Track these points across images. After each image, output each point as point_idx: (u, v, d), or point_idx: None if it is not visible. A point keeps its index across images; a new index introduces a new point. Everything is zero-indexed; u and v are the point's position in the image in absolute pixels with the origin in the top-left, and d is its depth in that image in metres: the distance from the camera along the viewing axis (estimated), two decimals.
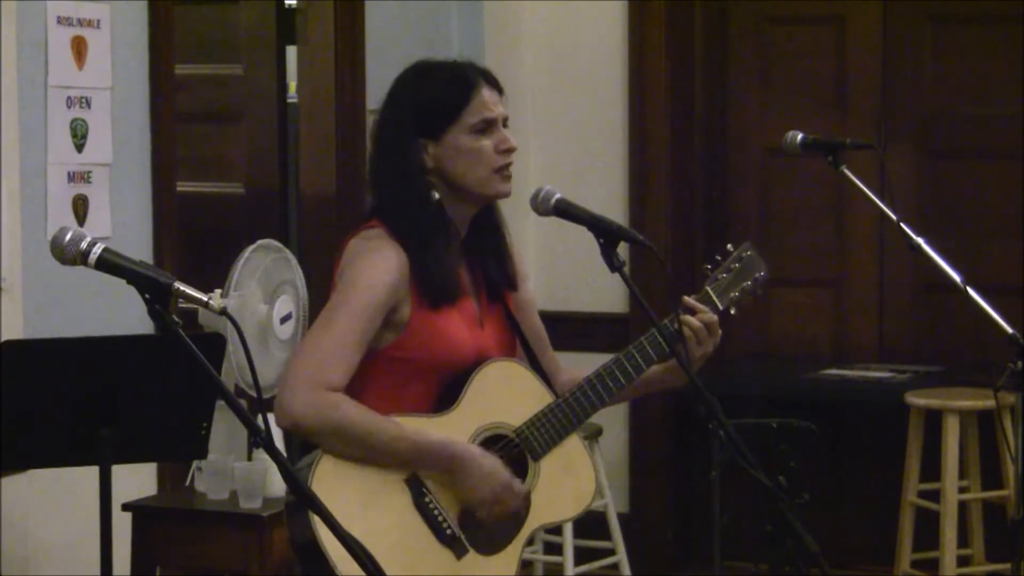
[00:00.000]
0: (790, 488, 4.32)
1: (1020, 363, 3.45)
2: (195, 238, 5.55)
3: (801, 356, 6.46)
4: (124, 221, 4.72)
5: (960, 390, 5.68)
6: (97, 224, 4.60)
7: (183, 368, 3.52)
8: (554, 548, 5.97)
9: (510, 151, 3.15)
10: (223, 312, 2.45)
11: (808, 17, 6.53)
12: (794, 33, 6.55)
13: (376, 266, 3.07)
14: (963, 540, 5.73)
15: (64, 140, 4.53)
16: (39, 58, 4.45)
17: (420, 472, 3.08)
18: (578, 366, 3.39)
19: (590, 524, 5.93)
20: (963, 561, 5.76)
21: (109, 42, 4.67)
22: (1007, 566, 5.32)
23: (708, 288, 3.30)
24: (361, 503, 3.03)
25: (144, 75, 4.81)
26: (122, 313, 4.33)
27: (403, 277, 3.09)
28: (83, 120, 4.58)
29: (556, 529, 5.86)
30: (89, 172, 4.60)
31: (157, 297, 2.44)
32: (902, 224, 3.64)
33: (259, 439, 2.43)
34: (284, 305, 4.48)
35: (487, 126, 3.14)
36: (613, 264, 3.04)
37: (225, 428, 4.29)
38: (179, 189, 5.00)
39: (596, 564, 6.02)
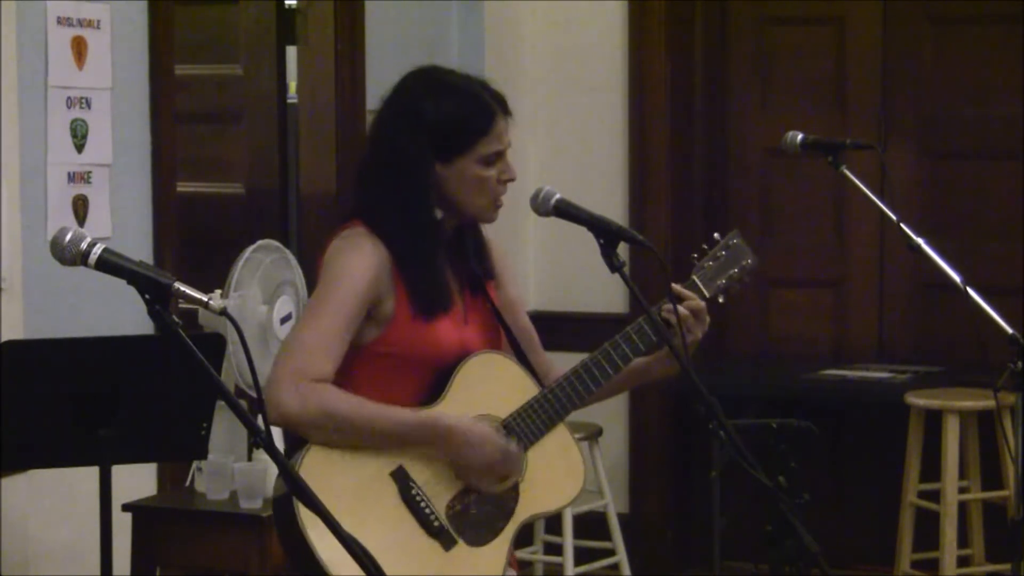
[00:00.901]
0: (790, 488, 4.32)
1: (1020, 363, 3.45)
2: (195, 238, 5.54)
3: (801, 356, 6.45)
4: (124, 221, 4.72)
5: (960, 390, 5.68)
6: (97, 224, 4.60)
7: (183, 368, 3.50)
8: (554, 548, 5.97)
9: (510, 181, 3.19)
10: (223, 312, 2.45)
11: (808, 17, 6.53)
12: (794, 33, 6.55)
13: (355, 261, 3.10)
14: (963, 540, 5.73)
15: (64, 140, 4.53)
16: (39, 58, 4.45)
17: (406, 463, 3.08)
18: None
19: (590, 524, 5.94)
20: (963, 561, 5.76)
21: (109, 42, 4.67)
22: (1007, 566, 5.32)
23: (694, 276, 3.31)
24: (347, 498, 3.02)
25: (144, 75, 4.81)
26: (122, 313, 4.33)
27: (385, 272, 3.11)
28: (83, 120, 4.58)
29: (556, 529, 5.86)
30: (89, 172, 4.60)
31: (157, 297, 2.44)
32: (902, 224, 3.64)
33: (259, 439, 2.43)
34: (284, 305, 4.48)
35: (497, 158, 3.17)
36: (613, 264, 3.04)
37: (225, 428, 4.29)
38: (179, 189, 5.00)
39: (596, 564, 6.02)
